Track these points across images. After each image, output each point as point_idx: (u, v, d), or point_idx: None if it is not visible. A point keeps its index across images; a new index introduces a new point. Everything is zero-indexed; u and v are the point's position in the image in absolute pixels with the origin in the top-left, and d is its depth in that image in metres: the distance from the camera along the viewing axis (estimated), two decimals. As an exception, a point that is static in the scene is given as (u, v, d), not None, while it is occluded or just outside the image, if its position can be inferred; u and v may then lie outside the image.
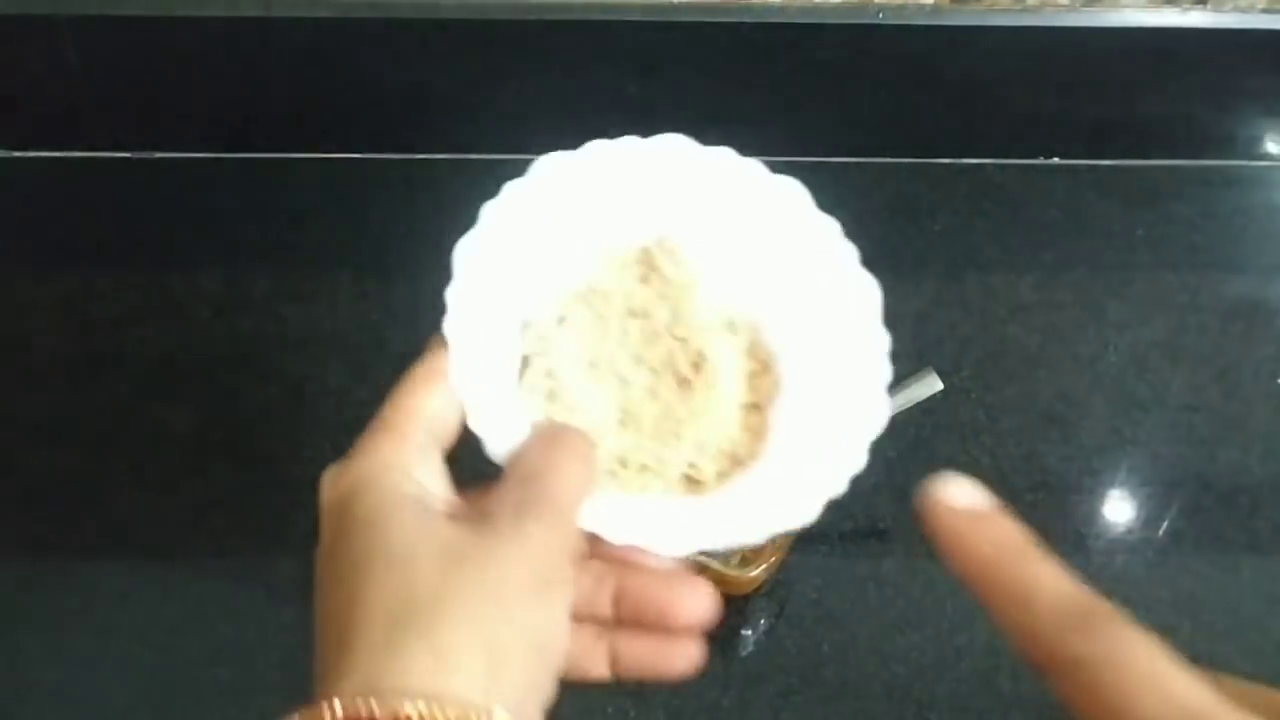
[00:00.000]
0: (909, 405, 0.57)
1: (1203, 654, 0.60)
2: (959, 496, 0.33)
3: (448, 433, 0.34)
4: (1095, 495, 0.64)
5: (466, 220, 0.78)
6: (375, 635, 0.28)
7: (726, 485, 0.39)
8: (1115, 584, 0.60)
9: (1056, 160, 0.81)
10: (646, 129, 0.82)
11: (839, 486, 0.38)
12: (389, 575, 0.29)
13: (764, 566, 0.56)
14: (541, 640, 0.30)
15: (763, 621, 0.58)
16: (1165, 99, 0.78)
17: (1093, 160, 0.81)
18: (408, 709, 0.26)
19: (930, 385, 0.57)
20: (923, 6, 0.73)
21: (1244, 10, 0.73)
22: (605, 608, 0.35)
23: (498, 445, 0.35)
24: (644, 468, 0.38)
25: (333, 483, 0.32)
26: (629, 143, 0.40)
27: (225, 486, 0.62)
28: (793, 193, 0.42)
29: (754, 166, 0.42)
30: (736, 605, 0.58)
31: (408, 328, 0.62)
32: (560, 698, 0.55)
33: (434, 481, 0.33)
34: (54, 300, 0.71)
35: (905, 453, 0.64)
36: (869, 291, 0.40)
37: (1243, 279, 0.75)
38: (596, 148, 0.39)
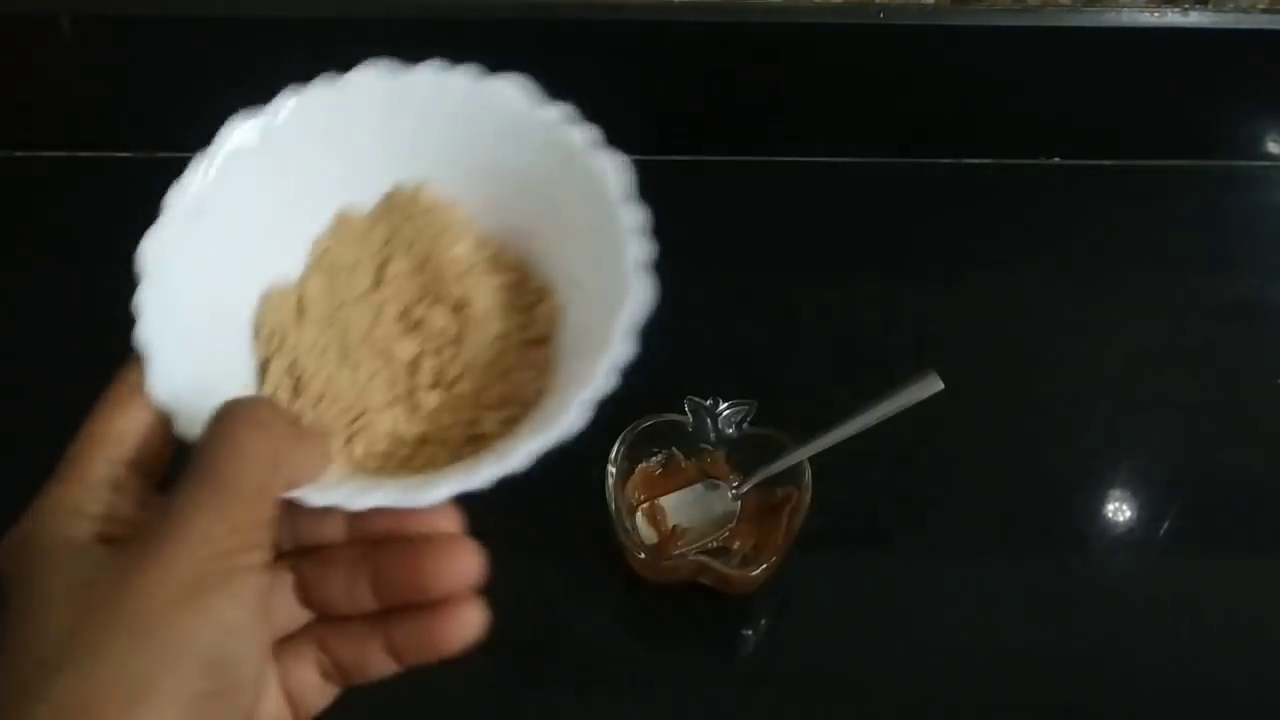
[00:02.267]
0: (910, 405, 0.57)
1: (1204, 655, 0.60)
2: None
3: (151, 450, 0.31)
4: (1096, 495, 0.64)
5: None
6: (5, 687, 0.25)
7: (512, 430, 0.34)
8: (1116, 584, 0.60)
9: (1057, 160, 0.81)
10: (647, 128, 0.82)
11: (605, 383, 0.32)
12: (17, 633, 0.26)
13: (764, 566, 0.56)
14: (210, 655, 0.25)
15: (763, 621, 0.58)
16: (1166, 99, 0.78)
17: (1093, 160, 0.81)
18: None
19: (930, 385, 0.57)
20: (923, 6, 0.73)
21: (1244, 10, 0.73)
22: (368, 598, 0.32)
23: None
24: (424, 440, 0.34)
25: (4, 546, 0.29)
26: (338, 85, 0.36)
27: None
28: (513, 96, 0.37)
29: (502, 88, 0.38)
30: (737, 605, 0.58)
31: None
32: (562, 697, 0.55)
33: (124, 510, 0.29)
34: (53, 300, 0.71)
35: (906, 453, 0.64)
36: (617, 175, 0.36)
37: (1243, 279, 0.75)
38: (298, 100, 0.35)
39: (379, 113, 0.36)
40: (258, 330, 0.35)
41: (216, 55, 0.74)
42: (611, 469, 0.58)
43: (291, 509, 0.30)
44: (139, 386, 0.31)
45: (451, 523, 0.32)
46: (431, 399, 0.35)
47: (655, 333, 0.73)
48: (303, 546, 0.32)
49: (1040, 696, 0.56)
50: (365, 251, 0.37)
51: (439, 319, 0.36)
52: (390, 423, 0.35)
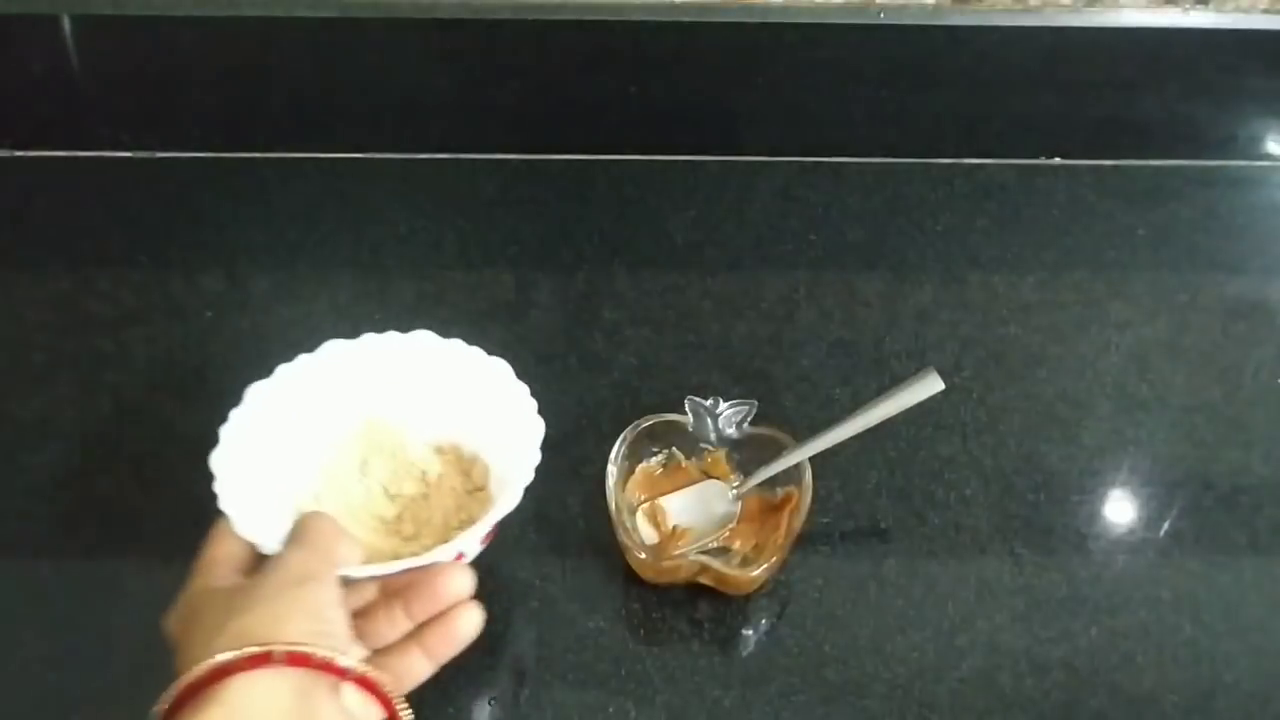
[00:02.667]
0: (910, 405, 0.57)
1: (1204, 655, 0.60)
2: None
3: (247, 560, 0.49)
4: (1096, 495, 0.64)
5: (468, 220, 0.79)
6: (196, 649, 0.43)
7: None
8: (1117, 584, 0.60)
9: (1058, 160, 0.81)
10: (648, 130, 0.83)
11: (515, 498, 0.52)
12: (195, 622, 0.45)
13: (765, 566, 0.56)
14: (312, 607, 0.45)
15: (764, 621, 0.58)
16: (1166, 99, 0.78)
17: (1094, 160, 0.81)
18: (213, 660, 0.41)
19: (931, 385, 0.57)
20: (924, 6, 0.73)
21: (1245, 11, 0.74)
22: (404, 622, 0.49)
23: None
24: (413, 554, 0.53)
25: (170, 614, 0.47)
26: (315, 355, 0.57)
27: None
28: (428, 340, 0.58)
29: (422, 338, 0.58)
30: (738, 605, 0.58)
31: (408, 326, 0.62)
32: (562, 696, 0.55)
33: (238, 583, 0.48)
34: (54, 300, 0.71)
35: (906, 453, 0.64)
36: (506, 368, 0.56)
37: (1244, 279, 0.75)
38: (290, 368, 0.56)
39: (342, 369, 0.57)
40: (293, 508, 0.54)
41: (216, 55, 0.74)
42: (612, 469, 0.58)
43: (345, 592, 0.47)
44: (228, 529, 0.50)
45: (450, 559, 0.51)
46: (413, 531, 0.56)
47: (655, 334, 0.74)
48: (354, 611, 0.49)
49: (1040, 696, 0.56)
50: (353, 460, 0.58)
51: (410, 488, 0.57)
52: (390, 550, 0.55)
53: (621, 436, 0.59)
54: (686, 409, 0.61)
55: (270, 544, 0.49)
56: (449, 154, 0.80)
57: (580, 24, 0.73)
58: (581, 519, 0.61)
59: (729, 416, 0.61)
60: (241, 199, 0.77)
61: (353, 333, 0.58)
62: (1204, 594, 0.60)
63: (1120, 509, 0.63)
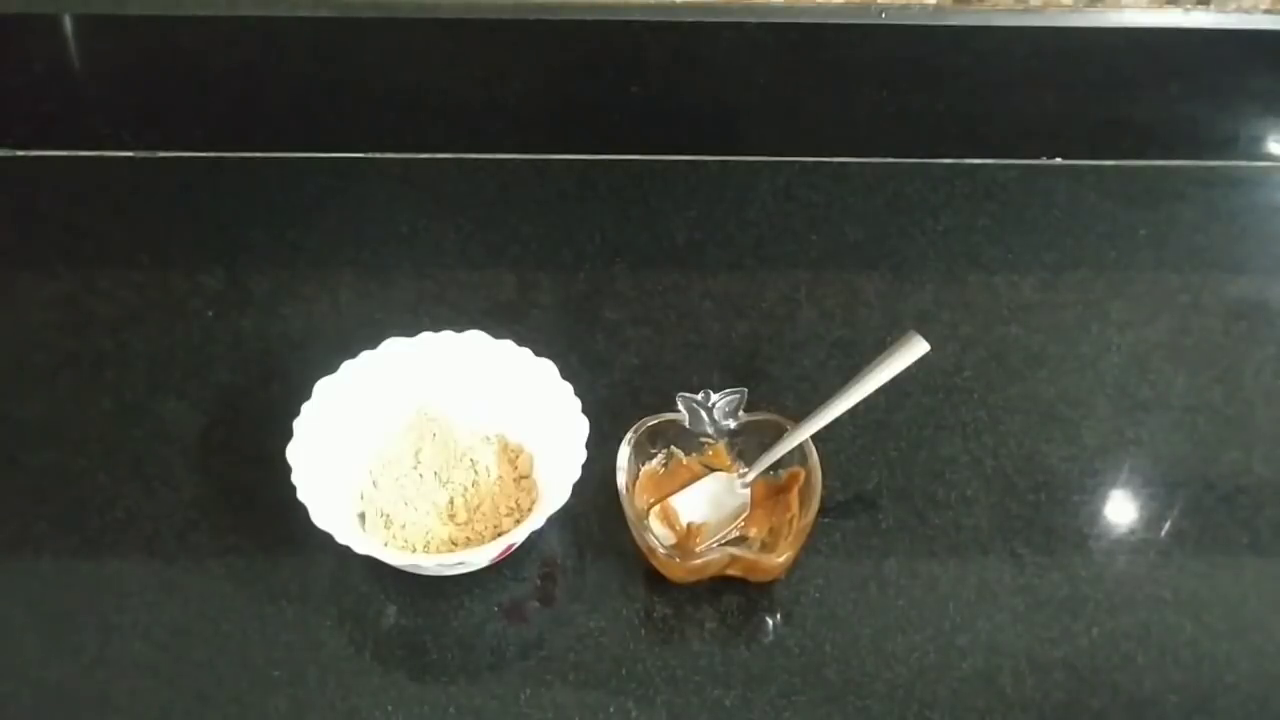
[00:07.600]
0: (900, 370, 0.58)
1: (1205, 655, 0.60)
2: None
3: None
4: (1098, 495, 0.64)
5: (469, 220, 0.78)
6: None
7: (520, 522, 0.57)
8: (1118, 585, 0.60)
9: (1059, 160, 0.81)
10: (648, 130, 0.83)
11: (565, 495, 0.55)
12: None
13: (791, 548, 0.56)
14: None
15: (764, 621, 0.58)
16: (1168, 99, 0.78)
17: (1095, 160, 0.81)
18: None
19: (917, 348, 0.58)
20: (925, 6, 0.73)
21: (1247, 11, 0.73)
22: None
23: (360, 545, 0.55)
24: (468, 540, 0.58)
25: None
26: (376, 352, 0.61)
27: (225, 485, 0.62)
28: (479, 339, 0.62)
29: (475, 338, 0.62)
30: (739, 605, 0.58)
31: (409, 327, 0.62)
32: (562, 696, 0.55)
33: None
34: (54, 300, 0.71)
35: (907, 453, 0.64)
36: (550, 367, 0.60)
37: (1245, 279, 0.75)
38: (352, 365, 0.60)
39: (400, 365, 0.61)
40: (351, 496, 0.60)
41: (216, 55, 0.74)
42: (622, 475, 0.58)
43: None
44: None
45: None
46: (465, 517, 0.59)
47: (656, 333, 0.74)
48: None
49: (1041, 697, 0.56)
50: (406, 448, 0.62)
51: (460, 475, 0.60)
52: (446, 534, 0.58)
53: (626, 439, 0.59)
54: (679, 406, 0.61)
55: (341, 533, 0.53)
56: (449, 154, 0.80)
57: (580, 24, 0.73)
58: (583, 518, 0.61)
59: (723, 407, 0.61)
60: (241, 199, 0.77)
61: (353, 332, 0.58)
62: (1205, 594, 0.60)
63: (1121, 509, 0.63)
